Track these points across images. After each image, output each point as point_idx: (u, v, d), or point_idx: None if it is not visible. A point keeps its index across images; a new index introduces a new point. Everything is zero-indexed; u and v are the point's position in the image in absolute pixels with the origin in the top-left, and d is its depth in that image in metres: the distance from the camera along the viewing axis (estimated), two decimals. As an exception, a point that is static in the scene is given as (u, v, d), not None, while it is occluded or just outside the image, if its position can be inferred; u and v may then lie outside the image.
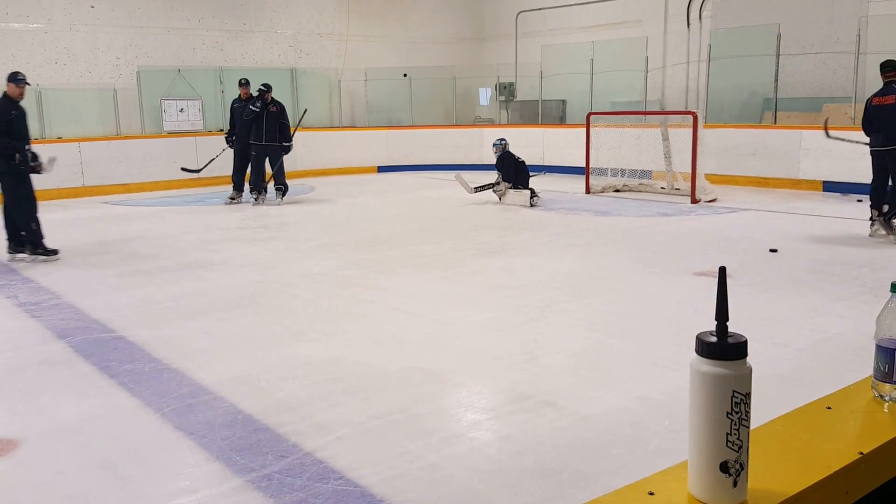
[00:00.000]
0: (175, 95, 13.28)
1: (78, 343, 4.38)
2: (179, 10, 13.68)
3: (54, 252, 6.85)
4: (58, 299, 5.43)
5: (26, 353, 4.29)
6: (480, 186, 10.23)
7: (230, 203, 10.60)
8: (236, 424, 3.17)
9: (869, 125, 7.23)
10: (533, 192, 9.87)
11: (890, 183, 7.13)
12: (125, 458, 2.93)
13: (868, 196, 7.39)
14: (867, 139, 7.29)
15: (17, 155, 6.57)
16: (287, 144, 10.58)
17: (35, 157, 6.77)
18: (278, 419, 3.21)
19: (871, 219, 7.20)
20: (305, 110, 11.90)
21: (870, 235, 7.15)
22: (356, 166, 14.80)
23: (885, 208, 7.03)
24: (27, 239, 6.78)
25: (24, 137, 6.77)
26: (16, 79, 6.84)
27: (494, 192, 10.09)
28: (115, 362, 4.02)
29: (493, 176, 10.29)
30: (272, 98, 10.40)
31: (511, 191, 9.86)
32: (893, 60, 7.20)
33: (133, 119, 13.13)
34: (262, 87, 10.32)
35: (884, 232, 7.05)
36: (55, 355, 4.20)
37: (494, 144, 10.10)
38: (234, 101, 10.80)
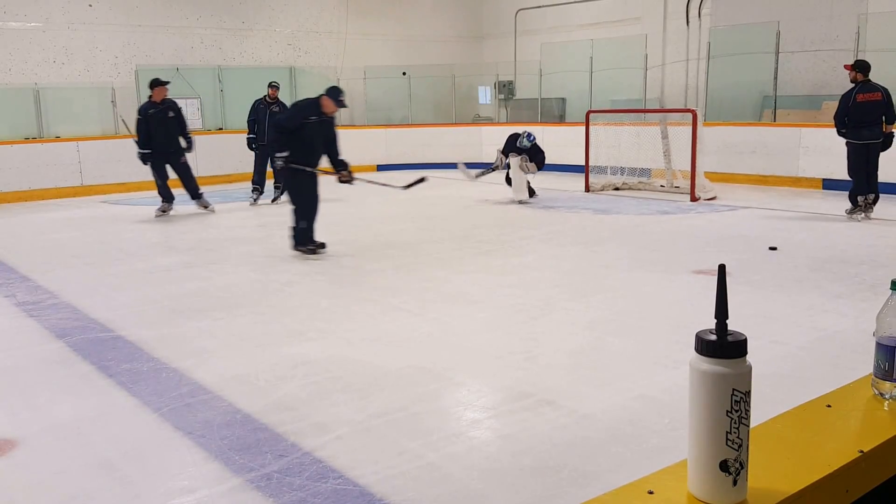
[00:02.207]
0: (174, 94, 13.17)
1: (76, 343, 4.37)
2: (178, 9, 13.66)
3: (321, 246, 6.67)
4: (56, 299, 5.42)
5: (24, 352, 4.28)
6: (482, 172, 10.23)
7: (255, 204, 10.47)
8: (235, 424, 3.16)
9: (846, 120, 7.77)
10: (532, 191, 9.89)
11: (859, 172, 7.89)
12: (124, 458, 2.92)
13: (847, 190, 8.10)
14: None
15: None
16: None
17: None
18: (277, 418, 3.21)
19: (859, 206, 7.90)
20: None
21: (860, 219, 7.87)
22: (355, 165, 14.66)
23: (872, 197, 7.87)
24: (293, 234, 6.64)
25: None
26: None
27: (495, 168, 10.01)
28: (114, 362, 4.01)
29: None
30: (277, 98, 10.39)
31: (516, 162, 9.79)
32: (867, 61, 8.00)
33: (131, 118, 13.09)
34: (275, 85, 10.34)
35: (864, 214, 7.89)
36: (53, 355, 4.19)
37: (528, 137, 10.00)
38: (259, 102, 10.47)
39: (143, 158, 9.18)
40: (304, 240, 6.61)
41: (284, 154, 6.38)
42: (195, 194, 9.64)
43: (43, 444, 3.06)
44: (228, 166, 12.70)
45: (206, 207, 9.72)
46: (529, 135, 9.96)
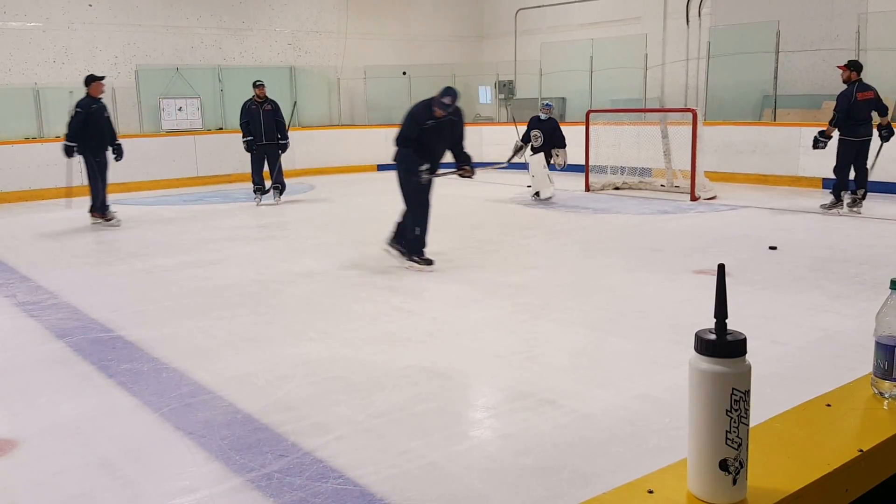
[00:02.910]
0: (174, 94, 13.28)
1: (76, 342, 4.37)
2: (178, 9, 13.66)
3: (428, 262, 6.09)
4: (56, 299, 5.42)
5: (25, 352, 4.28)
6: (510, 157, 10.18)
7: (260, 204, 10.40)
8: (235, 424, 3.16)
9: (848, 118, 8.07)
10: (538, 194, 9.92)
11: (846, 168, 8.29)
12: (124, 458, 2.92)
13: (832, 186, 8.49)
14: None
15: None
16: (284, 142, 10.49)
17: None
18: (277, 418, 3.21)
19: (841, 201, 8.34)
20: None
21: (841, 213, 8.30)
22: (356, 165, 14.79)
23: (862, 192, 8.25)
24: (408, 243, 6.15)
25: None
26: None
27: (558, 166, 9.90)
28: (114, 362, 4.01)
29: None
30: (266, 96, 10.33)
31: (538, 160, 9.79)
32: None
33: (131, 118, 13.12)
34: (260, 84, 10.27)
35: (856, 209, 8.24)
36: (54, 355, 4.19)
37: (548, 105, 9.99)
38: (249, 103, 10.32)
39: (69, 151, 8.68)
40: (419, 249, 6.12)
41: (426, 166, 5.95)
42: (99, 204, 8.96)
43: (43, 444, 3.06)
44: (228, 166, 12.71)
45: (106, 220, 8.91)
46: (548, 104, 9.99)
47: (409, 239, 6.14)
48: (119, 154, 9.11)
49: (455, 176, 6.39)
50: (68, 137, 8.74)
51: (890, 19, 10.43)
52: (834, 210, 8.40)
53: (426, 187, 6.13)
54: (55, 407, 3.45)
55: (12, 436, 3.13)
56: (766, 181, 11.08)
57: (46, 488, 2.71)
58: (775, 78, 11.53)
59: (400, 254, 6.21)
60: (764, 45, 11.53)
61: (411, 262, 6.12)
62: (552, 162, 9.89)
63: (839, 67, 8.37)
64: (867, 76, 10.02)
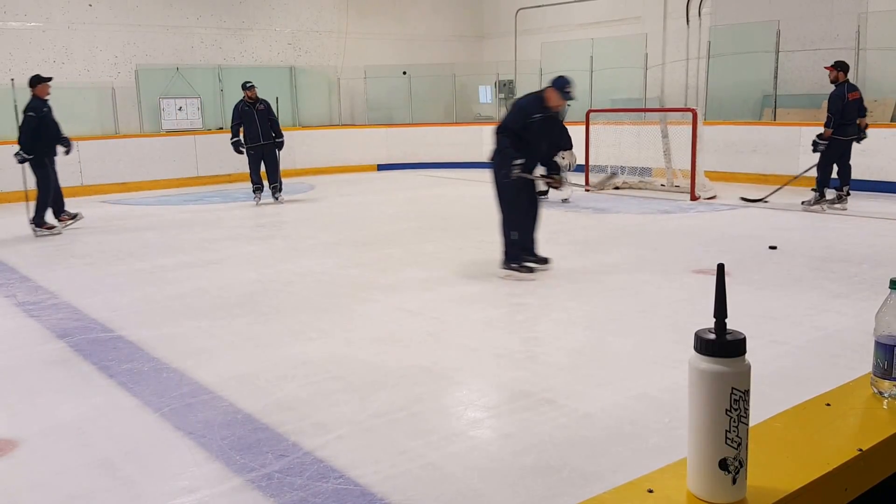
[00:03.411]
0: (174, 94, 13.27)
1: (77, 343, 4.38)
2: (178, 9, 13.66)
3: (529, 269, 5.70)
4: (56, 299, 5.42)
5: (25, 352, 4.28)
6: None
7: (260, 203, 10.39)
8: (236, 424, 3.16)
9: (840, 118, 8.22)
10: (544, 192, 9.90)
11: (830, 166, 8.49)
12: (124, 458, 2.92)
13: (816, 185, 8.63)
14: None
15: None
16: (280, 140, 10.46)
17: None
18: (278, 418, 3.21)
19: (833, 198, 8.47)
20: None
21: (824, 209, 8.46)
22: (356, 165, 14.79)
23: (847, 189, 8.47)
24: (504, 249, 5.76)
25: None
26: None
27: (567, 168, 9.63)
28: (114, 362, 4.01)
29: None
30: (257, 96, 10.30)
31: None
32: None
33: (131, 118, 13.12)
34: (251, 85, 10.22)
35: (841, 206, 8.43)
36: (54, 355, 4.19)
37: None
38: (242, 104, 10.24)
39: (25, 159, 8.32)
40: (516, 255, 5.70)
41: (521, 161, 5.52)
42: (55, 210, 8.71)
43: (44, 444, 3.06)
44: (229, 166, 12.68)
45: (61, 222, 8.68)
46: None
47: (506, 243, 5.72)
48: (68, 147, 8.73)
49: (541, 182, 5.98)
50: (24, 145, 8.29)
51: (890, 19, 10.43)
52: (817, 206, 8.50)
53: (523, 188, 5.69)
54: (55, 407, 3.46)
55: (12, 436, 3.13)
56: (766, 181, 11.07)
57: (46, 488, 2.72)
58: (775, 77, 11.52)
59: (524, 271, 5.68)
60: (764, 44, 11.53)
61: (509, 271, 5.67)
62: (561, 165, 9.78)
63: (827, 68, 8.50)
64: (867, 76, 10.01)
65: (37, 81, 8.61)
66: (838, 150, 8.38)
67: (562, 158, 9.76)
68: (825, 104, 8.54)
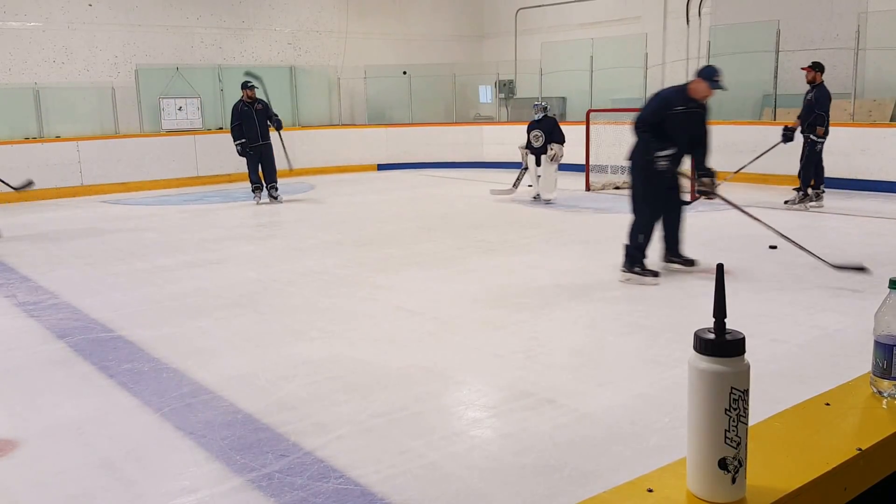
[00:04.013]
0: (173, 94, 13.28)
1: (77, 343, 4.38)
2: (178, 9, 13.66)
3: (654, 273, 5.40)
4: (56, 299, 5.43)
5: (25, 352, 4.28)
6: (516, 180, 10.20)
7: (260, 203, 10.40)
8: (236, 424, 3.16)
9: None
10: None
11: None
12: (125, 458, 2.92)
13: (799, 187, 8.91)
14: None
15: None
16: (279, 124, 10.41)
17: None
18: (278, 418, 3.21)
19: (809, 196, 8.74)
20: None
21: (809, 207, 8.67)
22: (356, 164, 14.79)
23: (822, 188, 8.73)
24: (625, 251, 5.47)
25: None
26: None
27: (553, 159, 9.71)
28: (114, 362, 4.01)
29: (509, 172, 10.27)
30: (256, 97, 10.30)
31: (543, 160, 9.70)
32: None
33: (131, 117, 13.13)
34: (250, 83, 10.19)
35: (815, 203, 8.65)
36: (54, 355, 4.20)
37: (536, 105, 9.96)
38: (241, 105, 10.23)
39: None
40: (636, 258, 5.38)
41: (669, 152, 5.17)
42: None
43: (44, 444, 3.07)
44: (229, 166, 12.69)
45: None
46: (544, 105, 9.92)
47: (629, 245, 5.42)
48: None
49: (689, 184, 5.48)
50: None
51: (890, 19, 10.43)
52: (800, 205, 8.68)
53: (661, 187, 5.34)
54: (55, 407, 3.46)
55: (12, 436, 3.14)
56: (766, 181, 11.07)
57: (46, 488, 2.72)
58: (775, 77, 11.52)
59: (648, 275, 5.39)
60: (764, 44, 11.52)
61: (631, 274, 5.38)
62: (550, 156, 9.76)
63: (804, 69, 8.61)
64: (867, 76, 10.01)
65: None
66: (819, 149, 8.60)
67: (551, 149, 9.75)
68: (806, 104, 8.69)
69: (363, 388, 3.54)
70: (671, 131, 5.27)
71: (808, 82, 8.47)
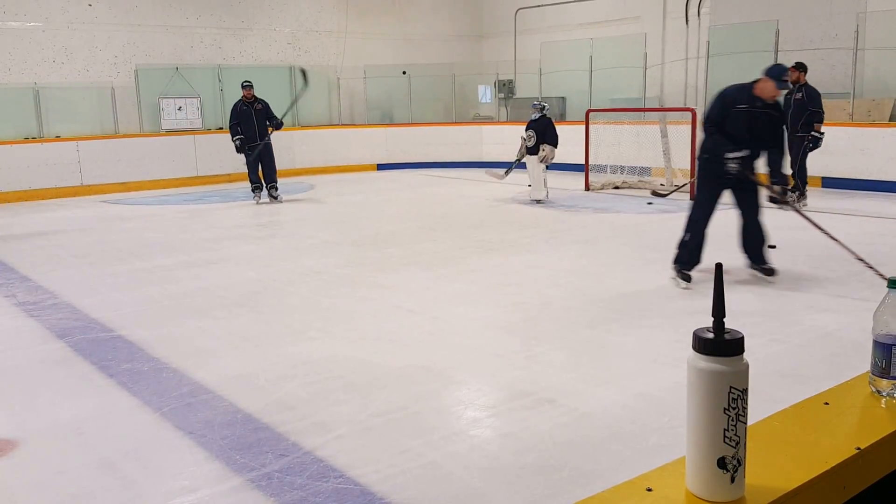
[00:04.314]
0: (173, 93, 13.28)
1: (76, 342, 4.38)
2: (177, 9, 13.66)
3: (686, 278, 5.26)
4: (56, 298, 5.43)
5: (25, 352, 4.29)
6: (509, 169, 10.26)
7: (260, 203, 10.41)
8: (236, 423, 3.17)
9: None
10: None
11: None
12: (124, 458, 2.93)
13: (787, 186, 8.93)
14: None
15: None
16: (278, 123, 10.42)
17: None
18: (278, 418, 3.21)
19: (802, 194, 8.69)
20: None
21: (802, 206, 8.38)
22: (355, 164, 14.79)
23: (804, 187, 8.71)
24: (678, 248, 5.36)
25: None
26: None
27: (542, 160, 9.67)
28: (114, 362, 4.02)
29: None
30: (255, 96, 10.30)
31: (533, 160, 9.69)
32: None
33: (131, 117, 13.12)
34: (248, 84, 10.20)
35: (804, 203, 8.49)
36: (54, 355, 4.20)
37: (534, 105, 9.93)
38: (240, 104, 10.24)
39: None
40: (677, 255, 5.30)
41: (741, 154, 4.97)
42: None
43: (44, 444, 3.07)
44: (229, 166, 12.69)
45: None
46: (542, 105, 9.86)
47: (679, 243, 5.31)
48: None
49: (764, 192, 5.26)
50: None
51: (889, 19, 10.43)
52: (799, 204, 8.54)
53: (715, 192, 5.18)
54: (55, 407, 3.46)
55: (12, 436, 3.14)
56: (765, 180, 11.08)
57: (46, 488, 2.72)
58: (775, 77, 11.51)
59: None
60: (763, 44, 11.52)
61: (673, 273, 5.32)
62: (540, 157, 9.73)
63: (789, 69, 8.60)
64: (866, 76, 10.03)
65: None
66: (805, 147, 8.64)
67: (542, 150, 9.73)
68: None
69: (363, 387, 3.54)
70: (732, 130, 5.05)
71: (793, 83, 8.48)
